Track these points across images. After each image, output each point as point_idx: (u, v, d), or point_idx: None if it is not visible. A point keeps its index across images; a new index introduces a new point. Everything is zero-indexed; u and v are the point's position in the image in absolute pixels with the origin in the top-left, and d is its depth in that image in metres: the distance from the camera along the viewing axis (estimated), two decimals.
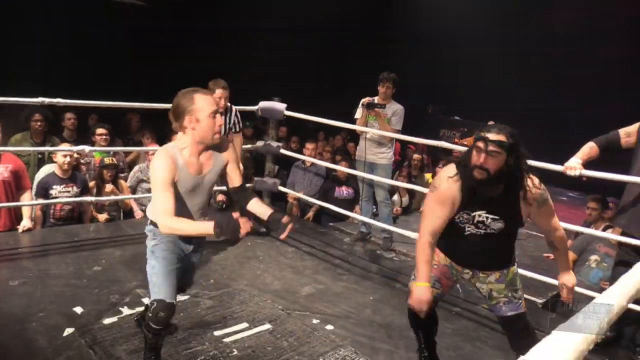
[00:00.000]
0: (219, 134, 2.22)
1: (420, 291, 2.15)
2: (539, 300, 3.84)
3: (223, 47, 8.40)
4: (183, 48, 8.16)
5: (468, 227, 2.23)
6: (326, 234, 4.94)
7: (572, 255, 4.07)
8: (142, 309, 3.00)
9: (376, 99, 4.59)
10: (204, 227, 2.05)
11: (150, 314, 2.23)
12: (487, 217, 2.20)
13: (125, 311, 2.98)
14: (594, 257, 3.92)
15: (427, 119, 11.61)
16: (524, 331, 2.38)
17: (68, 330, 2.71)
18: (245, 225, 2.02)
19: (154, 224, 2.24)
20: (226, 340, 2.73)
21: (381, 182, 4.66)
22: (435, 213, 2.19)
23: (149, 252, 2.29)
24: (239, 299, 3.25)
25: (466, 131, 10.57)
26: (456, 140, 10.49)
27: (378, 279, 3.91)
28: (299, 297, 3.41)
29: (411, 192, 6.06)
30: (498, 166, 2.06)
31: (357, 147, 4.83)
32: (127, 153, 5.51)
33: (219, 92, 3.94)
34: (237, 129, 4.30)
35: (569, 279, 2.40)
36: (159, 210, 2.08)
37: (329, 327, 3.01)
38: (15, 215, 4.12)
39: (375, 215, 4.97)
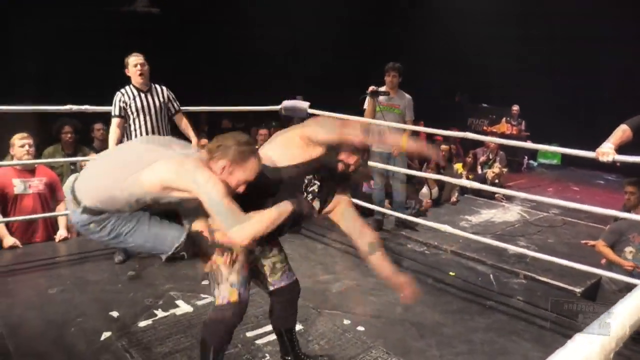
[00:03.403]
0: None
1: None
2: (578, 290, 3.73)
3: (242, 46, 8.45)
4: (200, 52, 8.24)
5: None
6: None
7: (604, 246, 3.91)
8: (176, 310, 3.07)
9: (383, 90, 4.70)
10: (283, 207, 1.90)
11: None
12: None
13: (160, 314, 3.04)
14: (628, 249, 3.73)
15: (455, 108, 11.45)
16: (293, 301, 2.40)
17: (105, 334, 2.78)
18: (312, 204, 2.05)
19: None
20: (258, 342, 2.75)
21: (399, 173, 4.71)
22: None
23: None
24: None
25: (494, 118, 10.36)
26: (485, 127, 10.30)
27: (408, 274, 3.86)
28: (330, 296, 3.40)
29: (440, 184, 5.98)
30: None
31: None
32: None
33: (132, 59, 3.69)
34: (176, 109, 3.93)
35: None
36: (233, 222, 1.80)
37: (360, 328, 2.99)
38: (52, 226, 4.25)
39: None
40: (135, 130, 3.75)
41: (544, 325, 3.13)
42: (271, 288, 2.32)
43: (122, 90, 3.75)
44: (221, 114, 7.43)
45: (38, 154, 4.42)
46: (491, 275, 3.94)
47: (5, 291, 3.32)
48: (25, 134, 4.01)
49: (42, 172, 4.14)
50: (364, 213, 5.05)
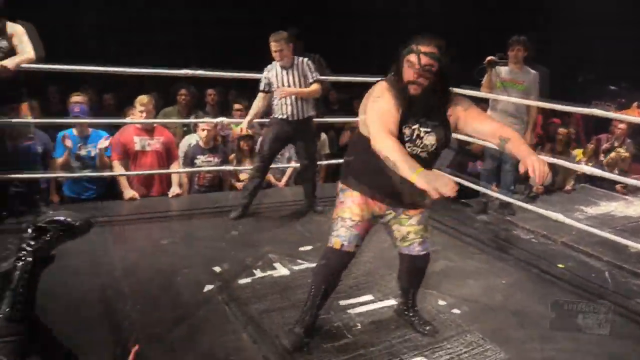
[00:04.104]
0: None
1: (431, 174, 1.76)
2: None
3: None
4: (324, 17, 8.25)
5: (407, 147, 2.07)
6: (458, 211, 4.72)
7: None
8: (273, 272, 3.16)
9: (503, 60, 4.41)
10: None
11: None
12: (422, 131, 2.11)
13: (258, 274, 3.15)
14: None
15: (577, 89, 10.47)
16: (423, 269, 2.55)
17: (208, 287, 2.95)
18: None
19: None
20: (350, 311, 2.75)
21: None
22: (389, 113, 1.97)
23: None
24: (365, 270, 3.24)
25: (624, 102, 9.34)
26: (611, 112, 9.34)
27: (512, 262, 3.65)
28: (427, 274, 3.29)
29: (554, 170, 5.54)
30: (431, 79, 2.00)
31: None
32: None
33: (272, 45, 3.76)
34: (310, 80, 3.93)
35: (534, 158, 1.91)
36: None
37: (456, 310, 2.87)
38: (166, 182, 4.57)
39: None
40: (277, 104, 3.96)
41: None
42: (397, 251, 2.50)
43: (269, 67, 3.96)
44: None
45: (156, 113, 4.75)
46: (606, 273, 3.60)
47: (123, 239, 3.64)
48: (146, 100, 4.31)
49: (160, 132, 4.44)
50: (468, 194, 4.86)
